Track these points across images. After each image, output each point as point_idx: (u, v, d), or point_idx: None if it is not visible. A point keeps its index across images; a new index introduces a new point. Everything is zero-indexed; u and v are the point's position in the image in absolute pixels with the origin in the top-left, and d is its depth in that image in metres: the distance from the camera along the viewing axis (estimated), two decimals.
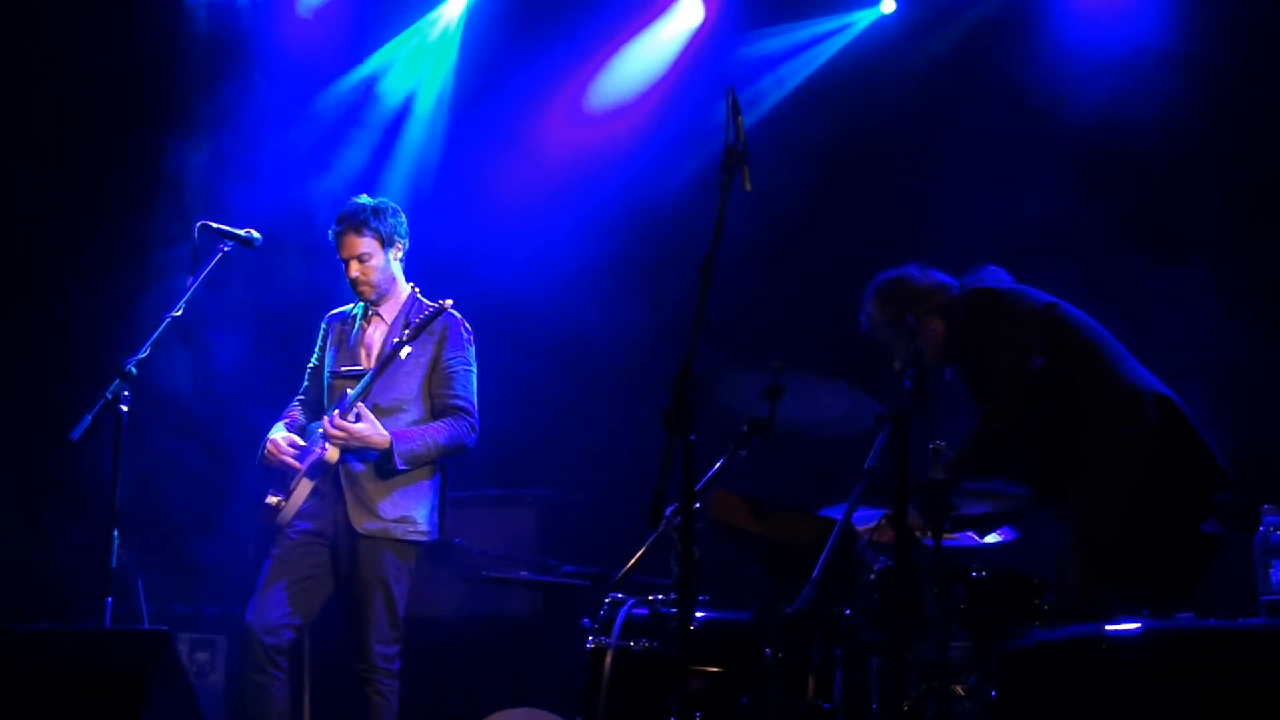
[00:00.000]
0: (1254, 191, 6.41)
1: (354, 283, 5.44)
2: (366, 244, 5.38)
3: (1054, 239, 6.46)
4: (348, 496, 5.26)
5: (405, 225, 5.51)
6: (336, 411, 5.22)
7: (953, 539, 4.76)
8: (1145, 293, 6.14)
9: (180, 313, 5.02)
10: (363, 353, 5.45)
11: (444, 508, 5.46)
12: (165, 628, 4.86)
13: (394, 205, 5.53)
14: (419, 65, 8.08)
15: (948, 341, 4.87)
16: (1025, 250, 4.91)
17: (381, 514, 5.26)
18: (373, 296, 5.47)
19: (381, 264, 5.44)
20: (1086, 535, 4.46)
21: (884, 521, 4.62)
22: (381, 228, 5.41)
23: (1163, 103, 6.53)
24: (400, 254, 5.51)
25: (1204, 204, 6.51)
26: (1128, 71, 6.69)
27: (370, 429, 5.19)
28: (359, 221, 5.38)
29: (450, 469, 5.50)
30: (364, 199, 5.49)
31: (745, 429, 4.45)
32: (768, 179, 4.14)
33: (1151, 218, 6.62)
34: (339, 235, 5.41)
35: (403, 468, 5.23)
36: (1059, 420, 4.60)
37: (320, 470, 5.27)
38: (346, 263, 5.42)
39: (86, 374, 5.98)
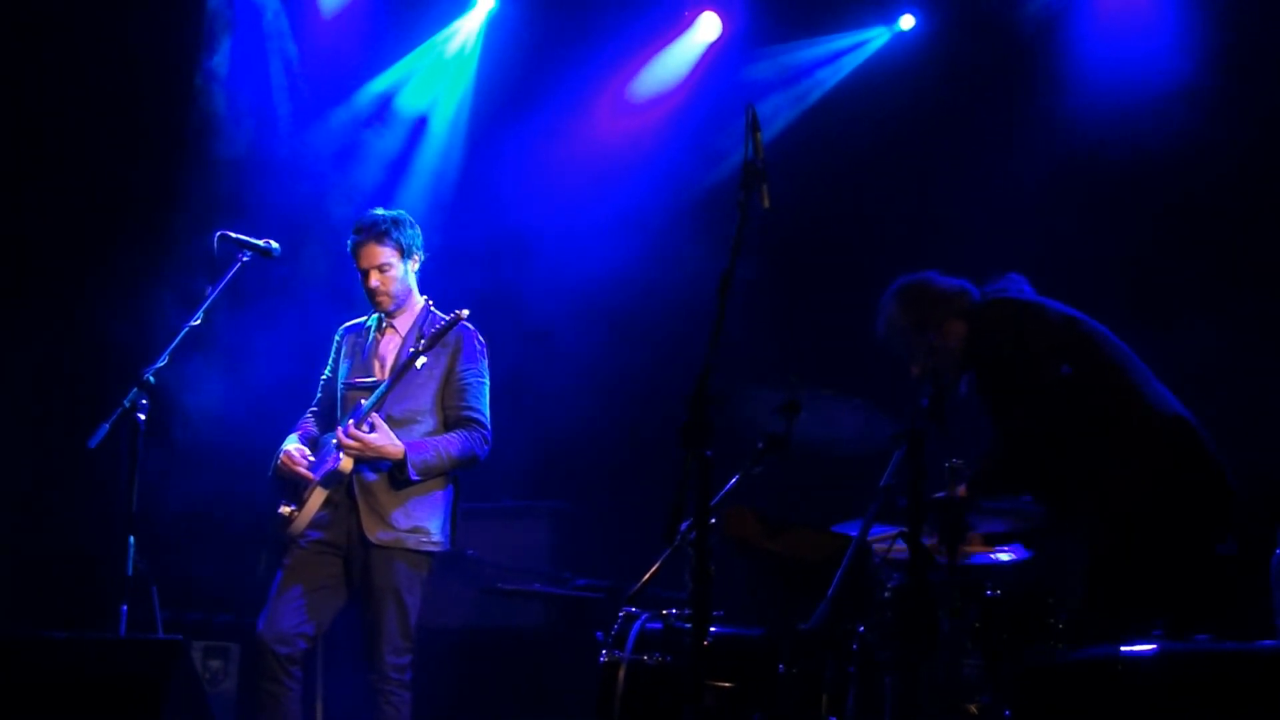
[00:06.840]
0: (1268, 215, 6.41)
1: (373, 293, 5.44)
2: (387, 254, 5.40)
3: (1075, 258, 6.46)
4: (361, 506, 5.25)
5: (421, 238, 5.53)
6: (351, 422, 5.22)
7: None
8: (1160, 313, 6.14)
9: (199, 322, 5.02)
10: (376, 364, 5.46)
11: (456, 518, 5.45)
12: (179, 636, 4.88)
13: (411, 218, 5.55)
14: (437, 79, 8.10)
15: (966, 348, 4.78)
16: (1047, 269, 4.86)
17: (395, 524, 5.25)
18: (390, 307, 5.48)
19: (400, 275, 5.45)
20: (1103, 555, 4.42)
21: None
22: (402, 238, 5.43)
23: (1183, 123, 6.53)
24: (417, 266, 5.53)
25: (1219, 226, 6.51)
26: (1149, 92, 6.69)
27: (384, 439, 5.19)
28: (380, 231, 5.39)
29: (463, 480, 5.50)
30: (381, 211, 5.51)
31: (761, 445, 4.45)
32: (786, 195, 4.14)
33: (1167, 239, 6.62)
34: (359, 245, 5.42)
35: (416, 478, 5.23)
36: (1078, 438, 4.51)
37: (334, 480, 5.28)
38: (366, 273, 5.42)
39: (104, 382, 6.00)
